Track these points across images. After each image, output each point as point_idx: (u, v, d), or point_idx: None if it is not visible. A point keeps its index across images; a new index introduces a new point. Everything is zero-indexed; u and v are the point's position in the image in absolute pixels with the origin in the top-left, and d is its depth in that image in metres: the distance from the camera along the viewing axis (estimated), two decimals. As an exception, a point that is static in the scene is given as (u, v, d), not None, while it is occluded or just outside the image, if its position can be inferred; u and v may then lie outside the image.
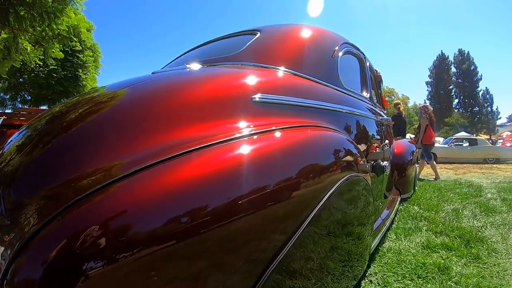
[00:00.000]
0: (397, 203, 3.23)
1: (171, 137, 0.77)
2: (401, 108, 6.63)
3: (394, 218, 2.79)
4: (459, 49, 46.25)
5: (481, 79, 44.00)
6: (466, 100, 44.55)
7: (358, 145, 1.65)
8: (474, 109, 43.96)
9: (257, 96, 1.06)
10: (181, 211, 0.63)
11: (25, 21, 7.15)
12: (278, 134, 0.97)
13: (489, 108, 43.69)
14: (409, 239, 2.30)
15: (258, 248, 0.77)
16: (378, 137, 2.15)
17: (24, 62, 8.90)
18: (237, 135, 0.86)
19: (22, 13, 7.05)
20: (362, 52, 2.38)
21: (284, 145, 0.95)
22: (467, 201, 3.67)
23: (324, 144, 1.20)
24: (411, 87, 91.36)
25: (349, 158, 1.31)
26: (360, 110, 1.87)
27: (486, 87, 44.85)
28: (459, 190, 4.58)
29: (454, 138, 14.17)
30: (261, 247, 0.78)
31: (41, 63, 11.15)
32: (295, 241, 0.86)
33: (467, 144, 13.16)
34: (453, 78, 46.19)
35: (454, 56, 46.30)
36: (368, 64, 2.48)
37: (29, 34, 7.51)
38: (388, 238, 2.33)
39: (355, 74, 2.28)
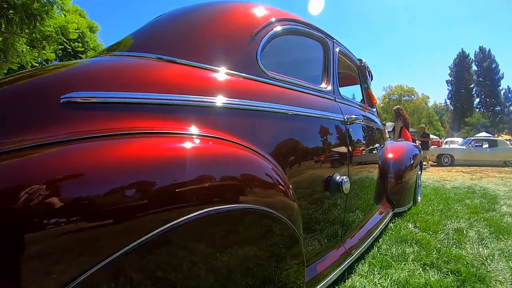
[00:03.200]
0: (388, 218, 2.68)
1: None
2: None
3: (374, 241, 2.24)
4: (480, 46, 44.75)
5: (502, 77, 42.52)
6: (488, 99, 43.08)
7: (283, 159, 1.17)
8: (496, 109, 42.48)
9: (72, 96, 0.75)
10: None
11: (14, 24, 7.05)
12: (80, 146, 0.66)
13: (511, 108, 41.91)
14: (386, 273, 1.75)
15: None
16: (339, 142, 1.63)
17: (22, 65, 8.84)
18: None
19: (10, 16, 6.95)
20: (328, 36, 1.87)
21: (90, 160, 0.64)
22: (476, 217, 3.05)
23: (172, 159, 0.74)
24: (431, 86, 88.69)
25: (229, 182, 0.85)
26: (304, 108, 1.37)
27: (508, 86, 43.68)
28: (469, 202, 3.94)
29: (473, 139, 13.24)
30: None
31: (38, 65, 11.09)
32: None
33: (487, 145, 12.22)
34: (474, 77, 44.84)
35: (475, 54, 44.83)
36: (337, 50, 1.96)
37: (19, 36, 7.44)
38: (357, 270, 1.80)
39: (310, 61, 1.78)
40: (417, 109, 45.84)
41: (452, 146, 14.54)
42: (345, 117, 1.70)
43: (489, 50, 43.52)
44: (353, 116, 1.77)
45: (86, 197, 0.59)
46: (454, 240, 2.32)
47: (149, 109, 0.86)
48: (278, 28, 1.42)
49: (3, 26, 7.11)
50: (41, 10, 6.58)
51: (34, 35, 7.33)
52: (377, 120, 2.88)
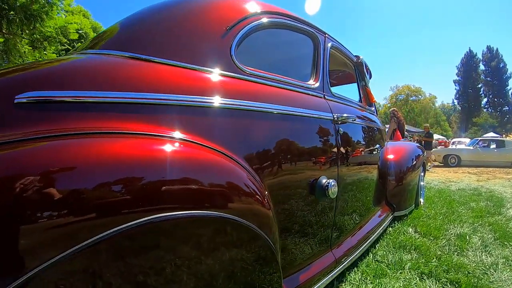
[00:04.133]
0: (387, 222, 2.55)
1: None
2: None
3: (370, 247, 2.12)
4: (487, 46, 44.04)
5: (510, 77, 41.91)
6: (495, 99, 42.47)
7: (259, 161, 1.08)
8: (504, 109, 41.90)
9: (28, 96, 0.71)
10: None
11: (15, 25, 7.06)
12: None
13: (519, 108, 41.29)
14: (379, 283, 1.63)
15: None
16: (327, 142, 1.52)
17: (24, 66, 8.86)
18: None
19: (11, 17, 6.97)
20: (318, 30, 1.76)
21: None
22: (480, 222, 2.90)
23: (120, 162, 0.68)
24: (438, 86, 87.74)
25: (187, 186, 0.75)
26: (284, 106, 1.26)
27: (516, 86, 42.34)
28: (474, 204, 3.78)
29: (480, 139, 12.97)
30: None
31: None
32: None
33: (494, 146, 11.95)
34: (481, 76, 44.26)
35: (483, 53, 44.18)
36: (330, 45, 1.85)
37: (20, 37, 7.45)
38: (348, 279, 1.68)
39: (297, 56, 1.67)
40: (424, 109, 45.51)
41: (459, 146, 14.27)
42: (335, 116, 1.59)
43: (497, 49, 42.93)
44: (345, 115, 1.65)
45: (32, 198, 0.55)
46: (456, 247, 2.19)
47: (109, 108, 0.79)
48: (259, 22, 1.31)
49: (4, 27, 7.13)
50: (41, 11, 6.57)
51: (34, 35, 7.34)
52: (375, 119, 2.75)
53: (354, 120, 1.78)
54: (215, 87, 1.05)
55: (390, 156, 2.90)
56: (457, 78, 46.56)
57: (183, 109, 0.93)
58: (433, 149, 13.29)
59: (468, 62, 45.11)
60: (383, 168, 2.72)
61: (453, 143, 18.25)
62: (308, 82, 1.57)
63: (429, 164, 10.16)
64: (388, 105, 47.20)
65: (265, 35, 1.43)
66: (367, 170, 2.19)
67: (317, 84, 1.59)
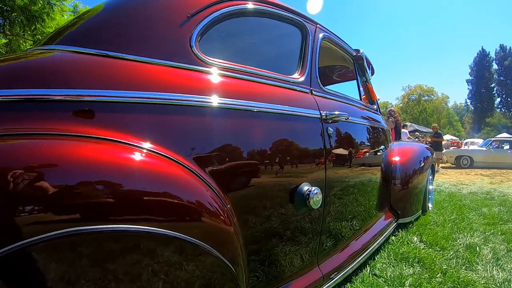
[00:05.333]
0: (389, 230, 2.34)
1: None
2: (396, 114, 6.89)
3: (368, 258, 1.92)
4: (500, 44, 42.95)
5: (524, 76, 40.47)
6: (509, 99, 41.54)
7: (220, 167, 0.92)
8: (517, 109, 40.58)
9: None
10: None
11: (16, 26, 7.08)
12: None
13: (533, 108, 40.26)
14: (375, 305, 1.44)
15: None
16: (312, 144, 1.33)
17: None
18: None
19: (13, 18, 6.99)
20: (308, 19, 1.58)
21: None
22: (492, 230, 2.65)
23: None
24: (451, 86, 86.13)
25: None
26: (257, 103, 1.08)
27: (530, 85, 41.26)
28: (487, 210, 3.53)
29: (493, 140, 12.51)
30: None
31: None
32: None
33: (508, 147, 11.50)
34: (494, 76, 43.13)
35: (496, 52, 43.12)
36: (321, 36, 1.66)
37: (23, 38, 7.47)
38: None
39: (280, 47, 1.49)
40: (437, 109, 45.11)
41: (471, 147, 13.81)
42: (323, 114, 1.40)
43: (510, 48, 41.82)
44: (336, 113, 1.46)
45: None
46: (464, 260, 1.97)
47: (48, 107, 0.71)
48: (233, 8, 1.16)
49: (7, 28, 7.16)
50: (41, 12, 6.57)
51: (37, 36, 7.35)
52: (378, 118, 2.54)
53: (347, 119, 1.59)
54: (168, 81, 0.90)
55: (395, 158, 2.68)
56: (470, 78, 45.76)
57: (123, 107, 0.79)
58: (445, 150, 12.93)
59: (481, 61, 44.21)
60: (387, 171, 2.50)
61: (466, 144, 17.75)
62: (292, 76, 1.39)
63: (438, 165, 9.83)
64: (400, 105, 47.01)
65: (242, 23, 1.27)
66: (365, 174, 2.00)
67: (302, 78, 1.41)
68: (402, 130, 12.00)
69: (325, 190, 1.35)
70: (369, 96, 2.59)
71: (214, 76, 1.03)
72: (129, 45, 0.91)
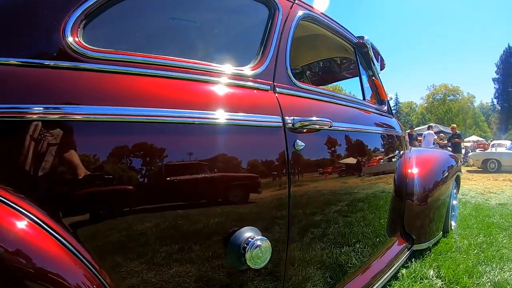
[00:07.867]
0: (400, 262, 1.87)
1: None
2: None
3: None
4: (528, 41, 40.64)
5: (552, 73, 38.30)
6: (538, 98, 38.94)
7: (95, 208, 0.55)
8: (547, 108, 38.40)
9: None
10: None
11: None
12: None
13: None
14: None
15: None
16: (267, 165, 0.92)
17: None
18: None
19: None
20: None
21: None
22: (529, 261, 2.13)
23: None
24: (477, 85, 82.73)
25: None
26: (167, 110, 0.69)
27: (559, 82, 39.03)
28: (521, 230, 2.96)
29: (524, 143, 11.60)
30: None
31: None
32: None
33: (540, 149, 10.58)
34: (522, 74, 40.80)
35: (523, 50, 40.85)
36: (300, 14, 1.24)
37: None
38: None
39: (228, 30, 1.09)
40: (462, 109, 44.05)
41: (499, 149, 12.83)
42: (288, 121, 0.98)
43: (538, 44, 39.70)
44: (311, 119, 1.04)
45: None
46: (496, 310, 1.49)
47: None
48: None
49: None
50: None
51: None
52: (388, 121, 2.06)
53: (331, 127, 1.15)
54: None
55: (411, 170, 2.18)
56: (496, 76, 43.76)
57: None
58: (471, 153, 12.10)
59: (508, 59, 42.22)
60: (400, 186, 2.02)
61: (493, 145, 16.61)
62: (241, 68, 0.97)
63: None
64: (425, 105, 45.74)
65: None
66: (361, 199, 1.54)
67: (259, 70, 0.99)
68: (428, 131, 11.27)
69: (288, 238, 0.93)
70: (377, 95, 2.12)
71: (100, 73, 0.66)
72: None
